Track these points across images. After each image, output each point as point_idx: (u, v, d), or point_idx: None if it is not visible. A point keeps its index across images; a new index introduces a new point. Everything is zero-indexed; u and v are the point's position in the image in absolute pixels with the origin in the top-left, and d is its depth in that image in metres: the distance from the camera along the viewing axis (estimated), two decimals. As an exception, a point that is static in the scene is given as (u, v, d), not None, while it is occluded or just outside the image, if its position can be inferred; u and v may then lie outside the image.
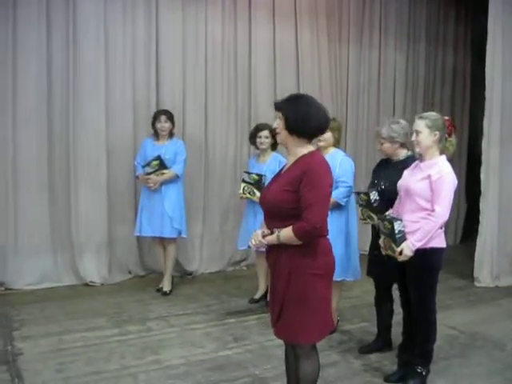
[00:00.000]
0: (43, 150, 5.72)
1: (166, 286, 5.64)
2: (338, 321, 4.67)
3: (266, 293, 5.33)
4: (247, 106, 6.72)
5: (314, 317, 2.81)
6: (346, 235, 4.42)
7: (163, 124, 5.48)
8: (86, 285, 5.85)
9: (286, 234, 2.75)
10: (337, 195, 4.24)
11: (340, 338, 4.48)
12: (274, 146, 5.19)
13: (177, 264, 6.13)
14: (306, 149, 2.85)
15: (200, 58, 6.39)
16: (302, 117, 2.78)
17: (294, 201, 2.73)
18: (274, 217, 2.85)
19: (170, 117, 5.54)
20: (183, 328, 4.67)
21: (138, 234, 5.67)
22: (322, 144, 4.39)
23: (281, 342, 4.34)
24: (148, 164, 5.37)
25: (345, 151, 4.93)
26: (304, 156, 2.82)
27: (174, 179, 5.47)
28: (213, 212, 6.58)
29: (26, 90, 5.60)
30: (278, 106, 2.87)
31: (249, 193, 5.09)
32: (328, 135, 4.33)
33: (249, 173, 5.15)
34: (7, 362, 3.95)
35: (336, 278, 4.31)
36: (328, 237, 2.90)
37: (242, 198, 5.23)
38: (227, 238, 6.56)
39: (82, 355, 4.08)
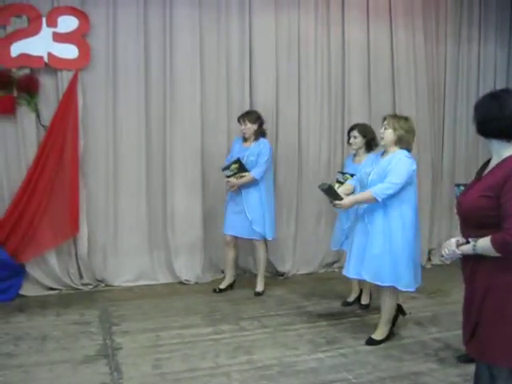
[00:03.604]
0: (142, 153, 5.93)
1: (259, 286, 5.68)
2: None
3: (359, 296, 5.25)
4: (341, 106, 6.63)
5: None
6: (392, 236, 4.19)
7: (245, 126, 5.49)
8: (181, 283, 6.00)
9: (484, 244, 2.49)
10: (376, 189, 4.09)
11: (436, 346, 4.32)
12: (368, 146, 5.10)
13: (269, 265, 6.17)
14: (510, 151, 2.54)
15: (293, 60, 6.37)
16: (489, 116, 2.54)
17: (493, 208, 2.46)
18: (471, 225, 2.60)
19: (253, 118, 5.49)
20: (276, 329, 4.66)
21: (225, 233, 5.74)
22: (382, 143, 4.31)
23: (375, 347, 4.28)
24: (228, 167, 5.42)
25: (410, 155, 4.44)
26: (507, 158, 2.53)
27: (254, 182, 5.45)
28: (306, 213, 6.53)
29: (125, 94, 5.84)
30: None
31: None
32: (387, 132, 4.21)
33: (343, 173, 5.09)
34: (107, 356, 4.09)
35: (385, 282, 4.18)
36: None
37: None
38: (320, 240, 6.51)
39: (177, 352, 4.17)
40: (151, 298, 5.52)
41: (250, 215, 5.44)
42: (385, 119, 4.30)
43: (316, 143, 6.54)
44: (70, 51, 5.51)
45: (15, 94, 5.39)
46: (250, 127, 5.46)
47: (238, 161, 5.38)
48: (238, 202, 5.51)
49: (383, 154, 4.33)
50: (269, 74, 6.28)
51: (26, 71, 5.44)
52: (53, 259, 5.66)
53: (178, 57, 5.94)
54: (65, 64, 5.52)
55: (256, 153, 5.44)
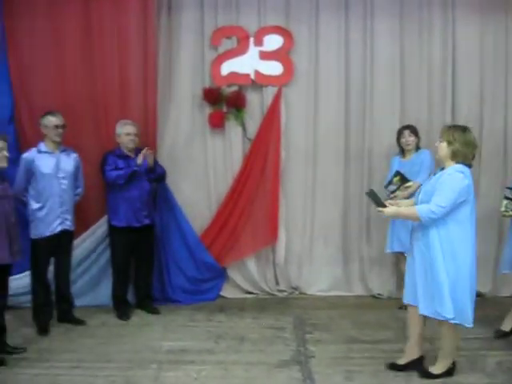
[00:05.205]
0: (340, 165, 6.05)
1: None
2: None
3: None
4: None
5: None
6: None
7: (407, 138, 5.42)
8: (373, 297, 5.99)
9: None
10: (422, 209, 3.68)
11: None
12: None
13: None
14: None
15: (499, 69, 6.02)
16: None
17: None
18: None
19: (416, 131, 5.47)
20: (473, 353, 4.35)
21: (390, 251, 5.56)
22: (436, 157, 3.93)
23: None
24: (390, 182, 5.34)
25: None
26: None
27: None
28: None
29: (326, 107, 6.01)
30: None
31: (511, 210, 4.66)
32: (441, 146, 3.78)
33: (511, 188, 4.72)
34: (300, 363, 4.23)
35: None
36: None
37: (504, 216, 4.74)
38: (485, 260, 5.80)
39: (368, 366, 4.15)
40: (343, 309, 5.58)
41: None
42: None
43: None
44: (274, 68, 5.83)
45: (225, 109, 5.83)
46: (414, 139, 5.45)
47: (398, 173, 5.31)
48: None
49: (443, 169, 3.88)
50: (473, 83, 6.02)
51: (235, 88, 5.85)
52: (252, 265, 6.00)
53: (378, 68, 5.97)
54: (270, 80, 5.85)
55: (419, 162, 5.39)
